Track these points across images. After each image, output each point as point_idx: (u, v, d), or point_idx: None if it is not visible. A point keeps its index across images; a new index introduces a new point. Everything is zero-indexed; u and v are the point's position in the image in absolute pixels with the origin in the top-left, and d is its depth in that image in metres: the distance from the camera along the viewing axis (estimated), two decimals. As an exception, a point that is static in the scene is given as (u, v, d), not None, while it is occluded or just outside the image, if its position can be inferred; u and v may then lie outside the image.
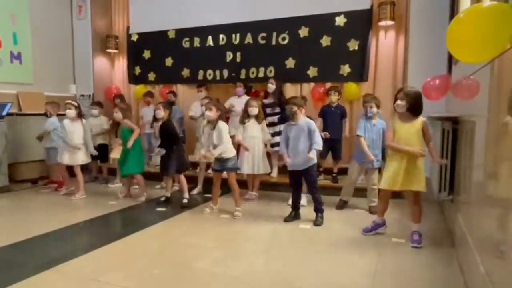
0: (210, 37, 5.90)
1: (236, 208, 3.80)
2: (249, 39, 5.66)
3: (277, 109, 4.87)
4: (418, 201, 2.98)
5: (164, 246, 3.03)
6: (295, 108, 3.48)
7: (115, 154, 4.75)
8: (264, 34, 5.57)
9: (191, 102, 5.66)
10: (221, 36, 5.83)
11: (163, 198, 4.34)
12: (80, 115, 4.67)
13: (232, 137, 4.02)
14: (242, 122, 4.26)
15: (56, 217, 3.82)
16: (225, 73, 5.86)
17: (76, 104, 4.68)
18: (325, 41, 5.28)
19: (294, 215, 3.65)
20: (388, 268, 2.54)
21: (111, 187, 5.20)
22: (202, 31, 5.95)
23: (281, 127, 4.44)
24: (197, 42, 6.02)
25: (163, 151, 4.09)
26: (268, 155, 4.59)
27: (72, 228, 3.46)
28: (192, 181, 4.58)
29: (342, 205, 4.03)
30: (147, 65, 6.48)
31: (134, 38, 6.53)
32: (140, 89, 6.54)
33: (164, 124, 4.18)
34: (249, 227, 3.51)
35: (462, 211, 2.77)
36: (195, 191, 4.74)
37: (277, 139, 4.52)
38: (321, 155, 4.34)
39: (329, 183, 4.67)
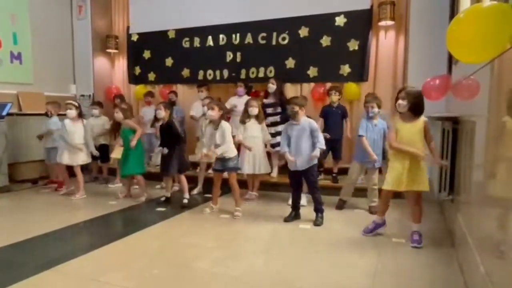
0: (210, 37, 5.91)
1: (236, 208, 3.80)
2: (249, 39, 5.66)
3: (279, 109, 4.87)
4: (419, 201, 2.97)
5: (164, 246, 3.03)
6: (296, 108, 3.47)
7: (116, 154, 4.75)
8: (264, 34, 5.57)
9: (191, 102, 5.66)
10: (221, 36, 5.83)
11: (163, 198, 4.34)
12: (80, 115, 4.67)
13: (233, 137, 4.02)
14: (243, 122, 4.26)
15: (56, 217, 3.82)
16: (225, 73, 5.86)
17: (76, 104, 4.68)
18: (325, 41, 5.28)
19: (294, 215, 3.65)
20: (388, 268, 2.54)
21: (111, 187, 5.20)
22: (202, 31, 5.96)
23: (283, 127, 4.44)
24: (197, 42, 6.02)
25: (166, 150, 4.08)
26: (268, 155, 4.60)
27: (72, 228, 3.46)
28: (192, 181, 4.58)
29: (341, 205, 4.03)
30: (147, 65, 6.48)
31: (134, 38, 6.54)
32: (140, 89, 6.54)
33: (166, 124, 4.17)
34: (249, 227, 3.51)
35: (462, 211, 2.77)
36: (195, 191, 4.74)
37: (278, 138, 4.51)
38: (321, 154, 4.34)
39: (329, 183, 4.66)
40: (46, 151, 4.99)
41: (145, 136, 5.47)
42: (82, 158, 4.63)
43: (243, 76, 5.69)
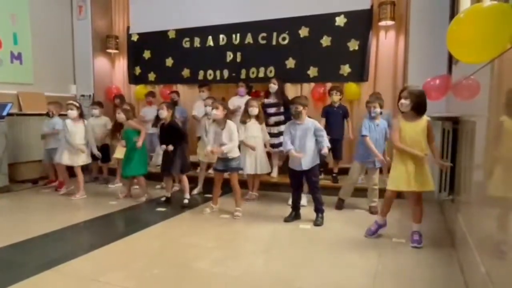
0: (210, 37, 5.91)
1: (236, 208, 3.80)
2: (249, 39, 5.66)
3: (282, 109, 4.86)
4: (419, 202, 2.97)
5: (164, 246, 3.03)
6: (300, 108, 3.47)
7: (119, 154, 4.75)
8: (264, 34, 5.58)
9: (191, 102, 5.67)
10: (221, 36, 5.84)
11: (163, 198, 4.34)
12: (81, 116, 4.67)
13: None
14: (243, 122, 4.26)
15: (56, 217, 3.82)
16: (225, 73, 5.86)
17: (77, 104, 4.68)
18: (325, 41, 5.29)
19: (294, 215, 3.65)
20: (388, 268, 2.53)
21: (111, 187, 5.20)
22: (202, 31, 5.96)
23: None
24: (197, 42, 6.02)
25: (171, 147, 4.08)
26: (268, 155, 4.60)
27: (72, 228, 3.46)
28: (192, 181, 4.58)
29: (340, 205, 4.03)
30: (147, 65, 6.48)
31: (134, 38, 6.54)
32: (140, 89, 6.55)
33: (168, 124, 4.16)
34: (249, 227, 3.51)
35: (462, 211, 2.77)
36: (195, 191, 4.74)
37: (281, 138, 4.51)
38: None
39: (330, 183, 4.66)
40: (47, 152, 4.99)
41: (146, 136, 5.47)
42: (83, 158, 4.63)
43: (243, 76, 5.70)
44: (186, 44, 6.11)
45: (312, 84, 5.47)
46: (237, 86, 5.33)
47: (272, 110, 4.87)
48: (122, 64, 6.87)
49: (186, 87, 6.30)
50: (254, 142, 4.21)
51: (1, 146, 4.73)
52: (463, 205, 2.80)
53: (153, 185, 5.02)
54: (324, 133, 3.53)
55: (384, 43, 5.18)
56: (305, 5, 5.32)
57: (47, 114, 4.95)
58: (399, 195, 3.13)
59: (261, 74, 5.63)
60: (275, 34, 5.52)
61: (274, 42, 5.53)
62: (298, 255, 2.80)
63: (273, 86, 4.88)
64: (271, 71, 5.56)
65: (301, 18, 5.36)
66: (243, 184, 4.37)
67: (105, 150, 5.27)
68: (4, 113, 4.82)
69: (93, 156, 4.86)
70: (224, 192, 4.16)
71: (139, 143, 4.28)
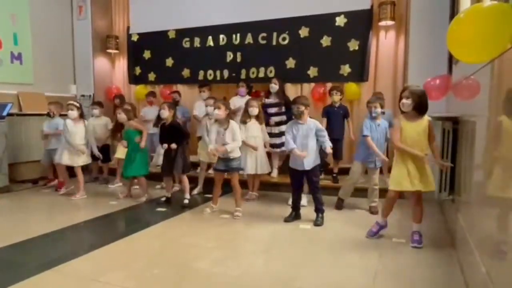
0: (210, 37, 5.91)
1: (236, 209, 3.80)
2: (249, 39, 5.66)
3: (284, 109, 4.86)
4: (420, 202, 2.97)
5: (164, 246, 3.03)
6: (302, 108, 3.47)
7: (120, 154, 4.75)
8: (264, 34, 5.58)
9: (191, 102, 5.67)
10: (221, 36, 5.84)
11: (163, 198, 4.34)
12: (82, 116, 4.67)
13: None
14: (244, 122, 4.26)
15: (57, 217, 3.83)
16: (226, 73, 5.86)
17: (78, 104, 4.67)
18: (326, 41, 5.29)
19: (295, 215, 3.65)
20: (388, 268, 2.53)
21: (111, 187, 5.20)
22: (202, 31, 5.96)
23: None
24: (197, 42, 6.02)
25: (175, 145, 4.07)
26: (268, 155, 4.59)
27: (72, 228, 3.46)
28: (192, 181, 4.58)
29: (340, 204, 4.03)
30: (147, 65, 6.49)
31: (135, 38, 6.54)
32: (141, 89, 6.55)
33: (170, 124, 4.16)
34: (249, 227, 3.50)
35: (462, 211, 2.77)
36: (195, 191, 4.74)
37: (283, 138, 4.50)
38: (324, 154, 4.33)
39: (330, 183, 4.66)
40: (47, 152, 4.98)
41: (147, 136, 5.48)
42: (83, 158, 4.63)
43: (243, 76, 5.69)
44: (186, 44, 6.11)
45: (312, 84, 5.47)
46: (237, 86, 5.33)
47: (273, 110, 4.87)
48: (122, 64, 6.88)
49: (186, 87, 6.30)
50: (254, 142, 4.21)
51: (1, 146, 4.73)
52: (463, 205, 2.80)
53: (153, 185, 5.02)
54: (325, 133, 3.54)
55: (384, 43, 5.18)
56: (305, 5, 5.32)
57: (48, 114, 4.95)
58: (399, 195, 3.13)
59: (261, 74, 5.63)
60: (275, 34, 5.52)
61: (274, 42, 5.53)
62: (298, 255, 2.80)
63: (274, 86, 4.88)
64: (271, 71, 5.56)
65: (301, 18, 5.36)
66: (243, 184, 4.36)
67: (106, 150, 5.27)
68: (4, 113, 4.82)
69: (93, 156, 4.86)
70: (224, 192, 4.16)
71: (142, 144, 4.28)
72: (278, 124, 4.83)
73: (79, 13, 6.50)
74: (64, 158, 4.54)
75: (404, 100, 2.85)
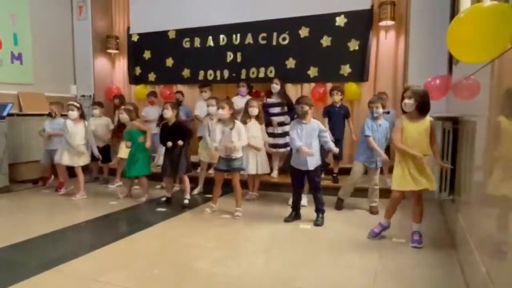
0: (210, 37, 5.92)
1: (236, 209, 3.80)
2: (249, 39, 5.66)
3: (286, 109, 4.85)
4: (420, 201, 2.97)
5: (164, 246, 3.03)
6: (306, 108, 3.47)
7: (122, 154, 4.75)
8: (264, 34, 5.58)
9: (192, 102, 5.67)
10: (221, 36, 5.84)
11: (163, 199, 4.34)
12: (82, 116, 4.66)
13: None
14: (244, 122, 4.25)
15: (57, 217, 3.83)
16: (226, 73, 5.87)
17: (78, 105, 4.67)
18: (326, 41, 5.29)
19: (295, 215, 3.65)
20: (388, 268, 2.53)
21: (111, 187, 5.20)
22: (202, 31, 5.97)
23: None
24: (197, 42, 6.03)
25: (181, 142, 4.07)
26: (268, 155, 4.59)
27: (72, 228, 3.46)
28: (192, 181, 4.58)
29: (340, 204, 4.02)
30: (147, 65, 6.49)
31: (135, 38, 6.55)
32: (141, 89, 6.55)
33: (174, 124, 4.16)
34: (249, 227, 3.50)
35: (462, 211, 2.76)
36: (195, 191, 4.74)
37: (287, 138, 4.50)
38: (325, 154, 4.33)
39: (330, 183, 4.66)
40: (47, 153, 4.98)
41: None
42: (83, 158, 4.63)
43: (243, 76, 5.70)
44: (186, 44, 6.11)
45: (312, 84, 5.47)
46: (237, 86, 5.33)
47: (275, 110, 4.85)
48: (122, 64, 6.88)
49: (187, 87, 6.30)
50: (254, 142, 4.21)
51: (1, 146, 4.73)
52: (463, 205, 2.79)
53: (153, 185, 5.02)
54: (327, 133, 3.56)
55: (384, 43, 5.18)
56: (305, 5, 5.32)
57: (49, 115, 4.94)
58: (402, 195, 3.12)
59: (261, 74, 5.63)
60: (275, 34, 5.52)
61: (274, 42, 5.54)
62: (298, 255, 2.80)
63: (276, 86, 4.87)
64: (271, 71, 5.56)
65: (301, 18, 5.37)
66: (243, 184, 4.37)
67: (106, 151, 5.27)
68: (4, 114, 4.83)
69: (93, 157, 4.86)
70: (225, 192, 4.16)
71: (148, 143, 4.29)
72: (281, 124, 4.82)
73: (79, 13, 6.51)
74: (65, 158, 4.54)
75: (406, 100, 2.85)
